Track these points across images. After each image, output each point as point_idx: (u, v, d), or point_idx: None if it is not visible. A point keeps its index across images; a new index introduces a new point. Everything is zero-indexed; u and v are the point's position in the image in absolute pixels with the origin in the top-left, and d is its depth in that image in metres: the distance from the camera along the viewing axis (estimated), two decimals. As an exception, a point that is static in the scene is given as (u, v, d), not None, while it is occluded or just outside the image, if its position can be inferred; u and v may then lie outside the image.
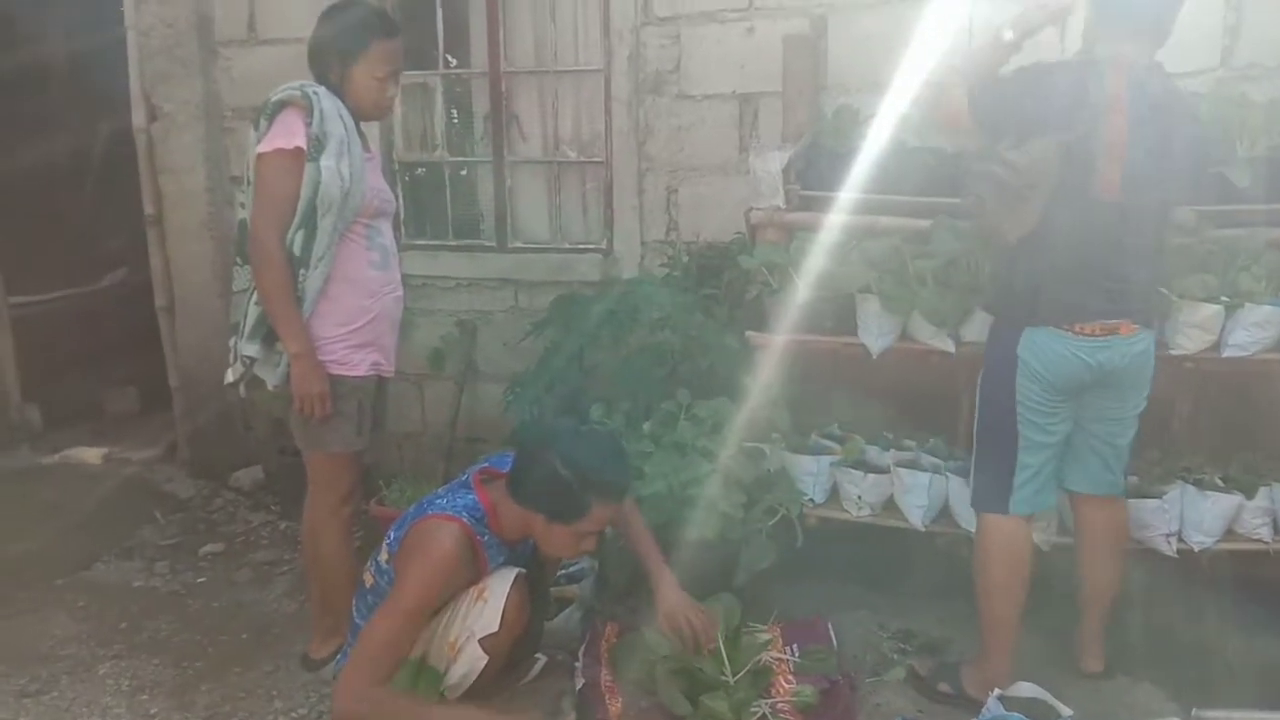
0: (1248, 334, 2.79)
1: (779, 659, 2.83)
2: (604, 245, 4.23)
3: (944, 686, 2.77)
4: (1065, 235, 2.46)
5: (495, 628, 2.26)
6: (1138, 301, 2.54)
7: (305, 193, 2.63)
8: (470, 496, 2.30)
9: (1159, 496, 2.92)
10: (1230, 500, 2.91)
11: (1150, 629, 3.02)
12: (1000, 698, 2.50)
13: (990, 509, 2.68)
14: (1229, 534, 2.95)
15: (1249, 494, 2.92)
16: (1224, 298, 2.80)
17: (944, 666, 2.83)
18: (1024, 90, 2.50)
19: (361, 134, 2.80)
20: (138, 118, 4.39)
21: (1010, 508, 2.63)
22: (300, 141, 2.62)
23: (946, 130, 2.98)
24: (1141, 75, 2.46)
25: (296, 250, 2.65)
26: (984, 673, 2.69)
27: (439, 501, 2.31)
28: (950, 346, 2.98)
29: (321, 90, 2.70)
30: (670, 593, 2.59)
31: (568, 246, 4.33)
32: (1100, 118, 2.42)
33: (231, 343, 2.80)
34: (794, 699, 2.64)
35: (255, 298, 2.72)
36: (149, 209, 4.47)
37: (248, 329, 2.73)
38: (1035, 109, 2.46)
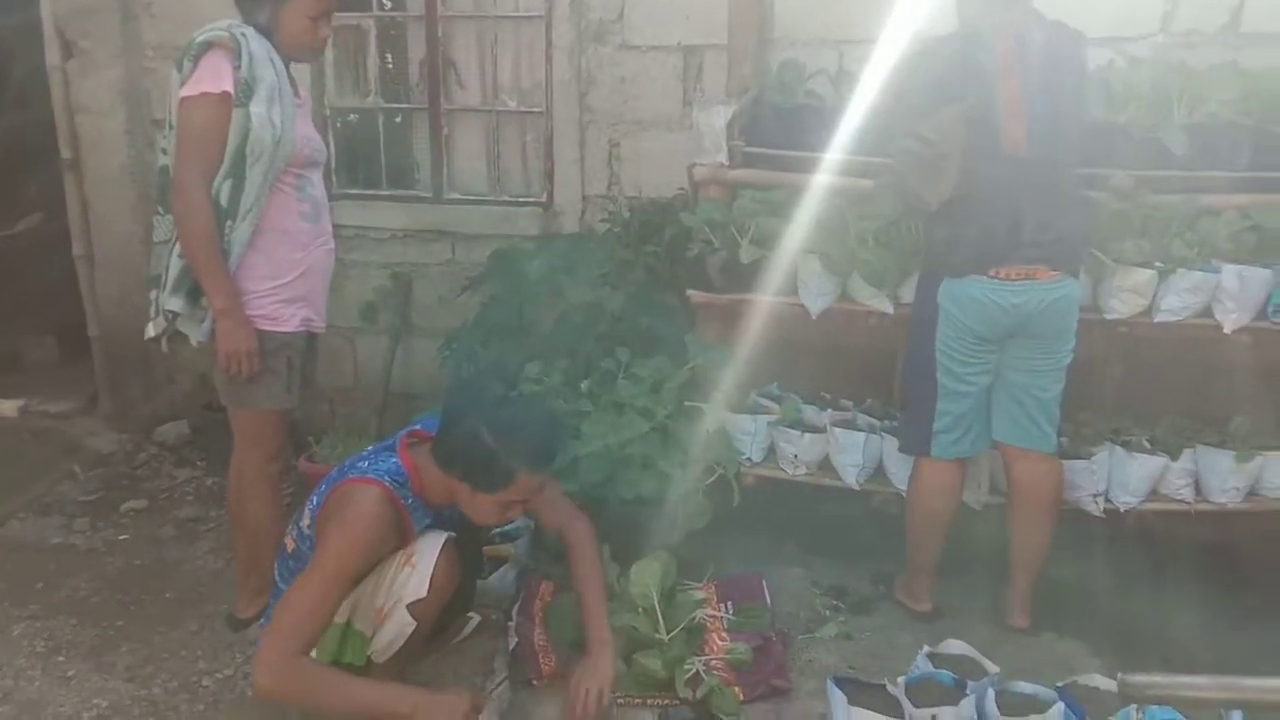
0: (1179, 299, 2.84)
1: (713, 616, 2.84)
2: (544, 199, 4.15)
3: (881, 587, 3.14)
4: (979, 193, 2.63)
5: (423, 594, 2.21)
6: (1054, 249, 2.64)
7: (233, 140, 2.52)
8: (393, 460, 2.24)
9: (1088, 457, 2.98)
10: (1156, 462, 2.98)
11: (1075, 587, 3.11)
12: (929, 655, 2.55)
13: (913, 452, 2.92)
14: (1153, 494, 3.02)
15: (1174, 456, 2.99)
16: (1157, 263, 2.84)
17: (883, 573, 3.16)
18: (925, 66, 2.72)
19: (291, 79, 2.68)
20: (51, 55, 4.15)
21: (931, 451, 2.83)
22: (227, 85, 2.51)
23: None
24: (1026, 33, 2.61)
25: (223, 201, 2.55)
26: (908, 584, 3.03)
27: (360, 465, 2.24)
28: (889, 308, 2.99)
29: (250, 31, 2.57)
30: (591, 659, 2.38)
31: (506, 199, 4.24)
32: (995, 82, 2.60)
33: (152, 296, 2.69)
34: (728, 656, 2.65)
35: (178, 249, 2.60)
36: (65, 152, 4.26)
37: (170, 282, 2.62)
38: (934, 83, 2.67)
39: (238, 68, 2.51)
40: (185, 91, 2.53)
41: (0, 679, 2.69)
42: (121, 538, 3.56)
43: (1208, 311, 2.86)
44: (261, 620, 2.53)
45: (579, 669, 2.39)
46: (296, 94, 2.69)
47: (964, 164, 2.61)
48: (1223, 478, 2.96)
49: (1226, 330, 2.83)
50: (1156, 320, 2.87)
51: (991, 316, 2.66)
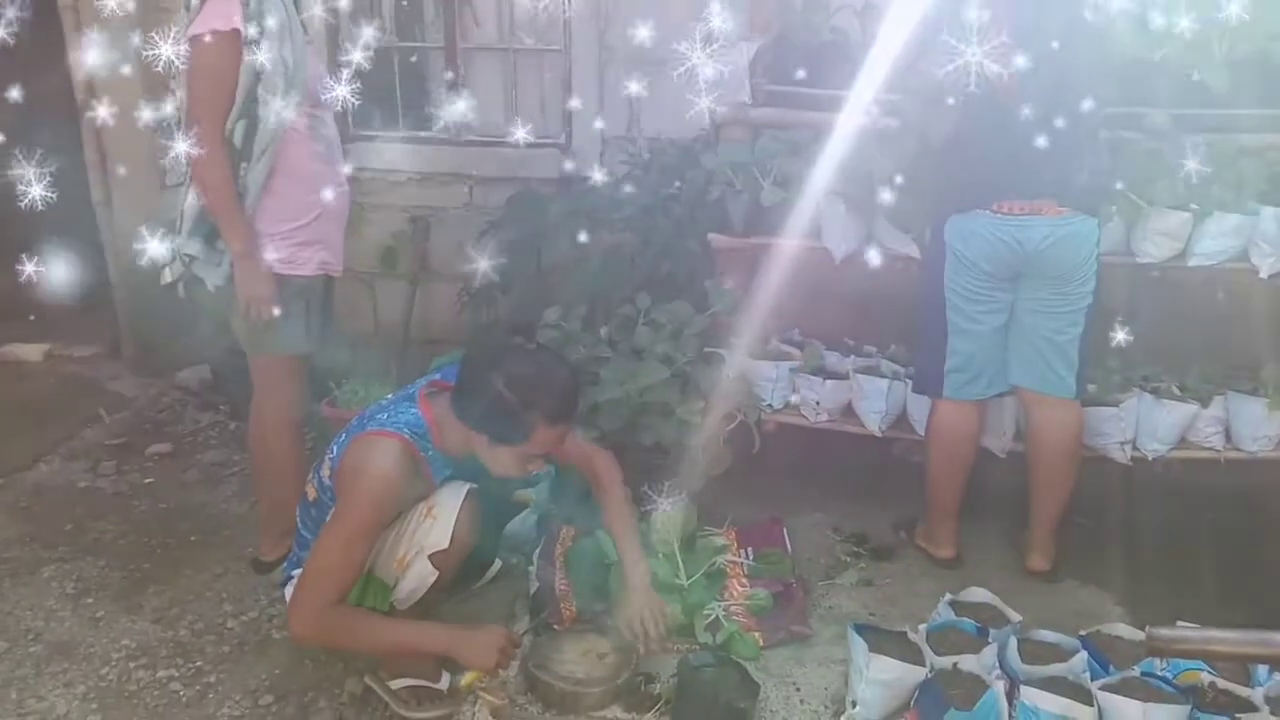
0: (1215, 243, 2.77)
1: (733, 562, 2.83)
2: (562, 140, 4.08)
3: (902, 534, 3.11)
4: (979, 126, 2.56)
5: (445, 544, 2.21)
6: (1061, 184, 2.57)
7: (245, 80, 2.47)
8: (413, 411, 2.22)
9: (1116, 405, 2.93)
10: (1186, 409, 2.94)
11: (1099, 534, 3.08)
12: (951, 602, 2.54)
13: (927, 392, 2.91)
14: (1183, 442, 2.98)
15: (1204, 403, 2.95)
16: (1193, 205, 2.76)
17: (904, 519, 3.12)
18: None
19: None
20: (64, -8, 4.10)
21: (944, 391, 2.81)
22: (237, 23, 2.45)
23: None
24: None
25: (237, 142, 2.51)
26: (930, 531, 3.01)
27: (380, 416, 2.22)
28: (915, 252, 2.93)
29: (258, -35, 2.51)
30: (638, 591, 2.45)
31: (524, 141, 4.17)
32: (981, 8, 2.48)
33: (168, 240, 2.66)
34: (748, 602, 2.66)
35: (194, 193, 2.57)
36: (80, 95, 4.22)
37: (187, 226, 2.60)
38: (930, 17, 2.57)
39: (246, 4, 2.45)
40: (194, 30, 2.47)
41: (32, 620, 2.73)
42: (147, 481, 3.58)
43: (1244, 256, 2.79)
44: (284, 566, 2.54)
45: (628, 609, 2.43)
46: (305, 32, 2.64)
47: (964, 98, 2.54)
48: (1254, 426, 2.92)
49: (1263, 275, 2.76)
50: (1190, 264, 2.81)
51: (996, 252, 2.62)
